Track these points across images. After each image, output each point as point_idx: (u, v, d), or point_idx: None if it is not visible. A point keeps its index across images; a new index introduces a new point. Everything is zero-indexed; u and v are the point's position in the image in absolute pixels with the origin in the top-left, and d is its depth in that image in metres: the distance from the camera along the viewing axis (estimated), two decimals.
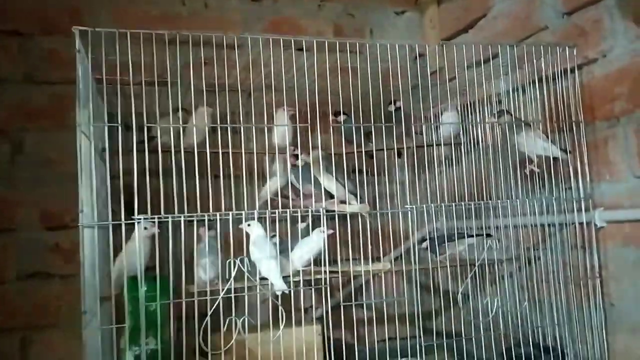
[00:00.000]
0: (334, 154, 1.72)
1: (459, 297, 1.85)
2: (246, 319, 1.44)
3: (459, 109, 2.26)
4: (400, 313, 1.70)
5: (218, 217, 1.44)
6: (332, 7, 2.76)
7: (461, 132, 2.22)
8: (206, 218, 1.43)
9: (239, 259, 1.42)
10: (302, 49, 1.70)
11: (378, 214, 1.70)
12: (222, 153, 1.67)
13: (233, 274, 1.40)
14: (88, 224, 1.38)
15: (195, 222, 1.45)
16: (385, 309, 2.17)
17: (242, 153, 1.59)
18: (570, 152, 1.78)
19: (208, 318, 1.40)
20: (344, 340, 2.09)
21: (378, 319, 1.68)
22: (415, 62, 2.22)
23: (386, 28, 2.86)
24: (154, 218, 1.39)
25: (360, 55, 1.74)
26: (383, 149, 2.17)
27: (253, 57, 1.59)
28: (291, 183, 1.86)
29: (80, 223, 1.36)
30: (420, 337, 1.71)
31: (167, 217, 1.40)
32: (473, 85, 2.16)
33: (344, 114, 2.05)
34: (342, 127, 2.02)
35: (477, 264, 1.74)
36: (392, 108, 2.12)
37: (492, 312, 1.69)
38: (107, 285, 1.45)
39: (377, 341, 2.16)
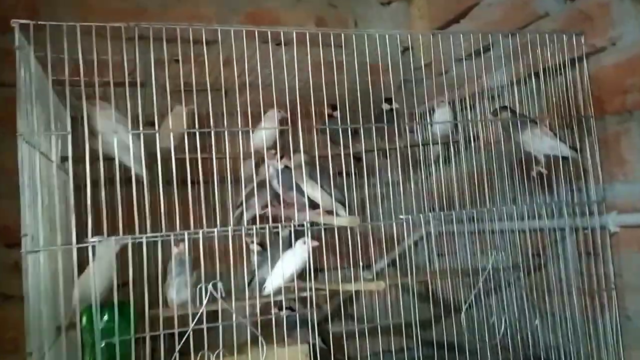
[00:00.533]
0: (318, 156, 1.54)
1: (463, 308, 1.66)
2: (221, 352, 1.25)
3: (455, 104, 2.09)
4: (394, 323, 1.53)
5: (186, 235, 1.25)
6: None
7: (458, 129, 2.05)
8: (172, 237, 1.24)
9: (211, 283, 1.23)
10: (280, 44, 1.52)
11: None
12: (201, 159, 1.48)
13: (204, 302, 1.21)
14: (30, 250, 1.18)
15: (159, 242, 1.25)
16: (377, 319, 2.00)
17: (226, 158, 1.42)
18: (581, 150, 1.61)
19: (176, 354, 1.20)
20: (332, 356, 1.91)
21: (370, 330, 1.51)
22: (403, 56, 2.07)
23: (371, 20, 2.70)
24: (109, 239, 1.19)
25: (344, 48, 1.57)
26: (373, 150, 1.99)
27: (228, 52, 1.41)
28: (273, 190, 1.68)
29: (22, 249, 1.16)
30: (418, 349, 1.56)
31: (127, 238, 1.20)
32: (468, 78, 1.97)
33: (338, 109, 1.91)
34: (327, 127, 1.83)
35: (482, 276, 1.57)
36: (386, 107, 1.94)
37: (499, 331, 1.51)
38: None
39: (370, 355, 2.00)
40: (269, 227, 1.32)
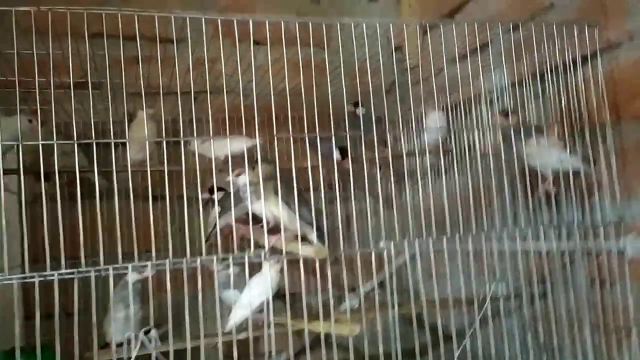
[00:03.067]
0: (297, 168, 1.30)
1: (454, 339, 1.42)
2: None
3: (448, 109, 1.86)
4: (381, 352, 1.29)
5: (111, 272, 1.01)
6: None
7: (451, 138, 1.83)
8: (93, 274, 1.00)
9: (142, 331, 0.98)
10: (258, 43, 1.30)
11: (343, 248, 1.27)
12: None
13: (133, 354, 0.97)
14: None
15: (92, 277, 1.01)
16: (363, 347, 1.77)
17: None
18: (595, 161, 1.38)
19: None
20: None
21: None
22: (391, 57, 1.86)
23: (358, 17, 2.47)
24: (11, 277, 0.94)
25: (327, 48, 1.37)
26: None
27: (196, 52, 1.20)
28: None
29: None
30: None
31: (33, 276, 0.95)
32: (463, 80, 1.74)
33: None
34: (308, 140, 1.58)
35: (477, 308, 1.33)
36: (360, 112, 1.71)
37: None
38: None
39: None
40: (216, 258, 1.07)
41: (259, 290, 1.39)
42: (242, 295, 1.41)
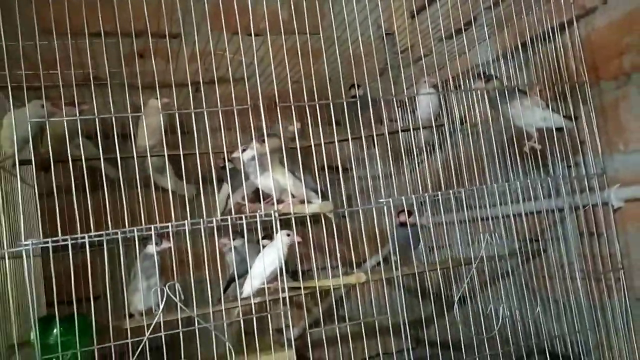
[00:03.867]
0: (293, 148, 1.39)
1: (455, 302, 1.51)
2: None
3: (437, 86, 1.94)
4: (388, 324, 1.37)
5: (136, 233, 1.10)
6: None
7: (442, 112, 1.92)
8: (119, 236, 1.09)
9: (167, 285, 1.07)
10: (251, 34, 1.39)
11: (350, 213, 1.36)
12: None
13: (161, 307, 1.06)
14: None
15: (105, 242, 1.10)
16: (369, 320, 1.85)
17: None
18: (577, 118, 1.47)
19: None
20: None
21: (360, 333, 1.35)
22: (383, 42, 1.94)
23: (347, 4, 2.56)
24: (46, 242, 1.04)
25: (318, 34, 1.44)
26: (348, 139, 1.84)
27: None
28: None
29: None
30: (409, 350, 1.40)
31: (66, 239, 1.05)
32: (451, 57, 1.84)
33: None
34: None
35: (474, 264, 1.42)
36: (354, 92, 1.79)
37: (497, 322, 1.36)
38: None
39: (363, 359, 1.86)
40: (230, 220, 1.17)
41: (270, 259, 1.47)
42: (255, 265, 1.49)
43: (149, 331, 1.07)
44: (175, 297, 1.07)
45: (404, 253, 1.53)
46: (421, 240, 1.61)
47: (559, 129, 1.48)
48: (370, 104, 1.58)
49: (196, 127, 1.27)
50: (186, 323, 1.21)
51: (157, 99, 1.53)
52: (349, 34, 1.39)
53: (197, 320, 1.14)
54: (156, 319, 1.08)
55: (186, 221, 1.12)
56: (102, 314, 1.15)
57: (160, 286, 1.10)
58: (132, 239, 1.12)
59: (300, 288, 1.31)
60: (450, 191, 1.37)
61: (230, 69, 1.49)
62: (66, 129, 1.31)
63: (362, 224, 1.34)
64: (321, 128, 1.35)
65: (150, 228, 1.10)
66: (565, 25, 1.53)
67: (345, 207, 1.32)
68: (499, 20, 1.52)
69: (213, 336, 1.15)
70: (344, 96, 1.42)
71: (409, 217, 1.57)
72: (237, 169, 1.63)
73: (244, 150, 1.47)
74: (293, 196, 1.37)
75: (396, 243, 1.44)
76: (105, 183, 1.22)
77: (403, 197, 1.32)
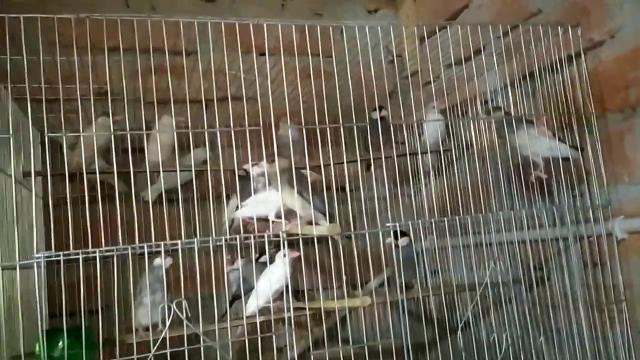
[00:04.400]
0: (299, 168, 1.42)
1: (459, 328, 1.51)
2: None
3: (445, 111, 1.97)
4: (388, 347, 1.37)
5: (146, 249, 1.12)
6: (298, 6, 2.48)
7: (449, 136, 1.93)
8: (129, 251, 1.10)
9: (174, 302, 1.09)
10: (264, 54, 1.42)
11: (355, 236, 1.37)
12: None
13: (167, 323, 1.07)
14: None
15: (114, 257, 1.12)
16: (371, 343, 1.86)
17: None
18: (582, 149, 1.49)
19: None
20: None
21: (360, 355, 1.35)
22: (393, 65, 1.97)
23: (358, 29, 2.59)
24: (58, 255, 1.05)
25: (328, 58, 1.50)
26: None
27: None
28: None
29: None
30: None
31: (78, 253, 1.06)
32: (459, 83, 1.86)
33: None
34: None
35: (478, 291, 1.43)
36: (376, 115, 1.79)
37: (500, 350, 1.37)
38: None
39: None
40: (238, 239, 1.18)
41: (274, 278, 1.48)
42: (259, 284, 1.50)
43: (155, 347, 1.08)
44: (182, 313, 1.07)
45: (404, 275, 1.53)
46: (417, 263, 1.60)
47: (565, 159, 1.50)
48: (389, 127, 1.60)
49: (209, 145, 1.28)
50: (188, 339, 1.22)
51: (171, 116, 1.57)
52: (360, 58, 1.41)
53: (203, 339, 1.15)
54: (162, 334, 1.09)
55: (195, 239, 1.13)
56: (104, 327, 1.16)
57: (167, 303, 1.10)
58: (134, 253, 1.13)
59: (304, 308, 1.31)
60: (457, 217, 1.38)
61: (243, 87, 1.51)
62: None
63: (368, 246, 1.35)
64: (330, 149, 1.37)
65: (160, 245, 1.12)
66: (573, 57, 1.56)
67: (351, 229, 1.33)
68: (507, 49, 1.55)
69: (218, 355, 1.16)
70: (354, 119, 1.44)
71: (401, 238, 1.56)
72: (247, 179, 1.63)
73: (254, 165, 1.48)
74: (300, 217, 1.38)
75: (401, 265, 1.45)
76: (118, 196, 1.24)
77: (410, 222, 1.33)
